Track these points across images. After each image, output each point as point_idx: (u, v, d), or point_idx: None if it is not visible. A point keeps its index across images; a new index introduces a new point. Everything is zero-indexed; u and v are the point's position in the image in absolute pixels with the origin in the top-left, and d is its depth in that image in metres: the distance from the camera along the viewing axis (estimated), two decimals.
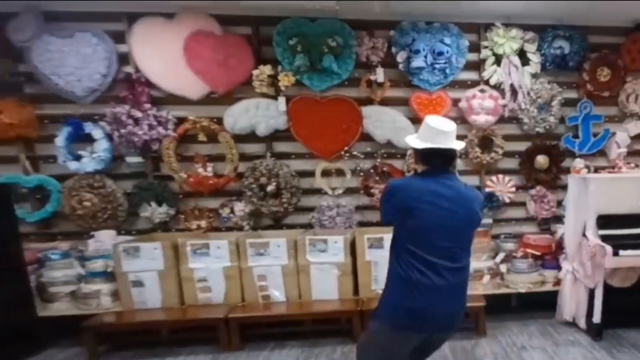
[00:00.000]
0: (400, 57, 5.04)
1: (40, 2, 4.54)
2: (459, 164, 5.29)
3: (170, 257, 4.46)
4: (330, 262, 4.55)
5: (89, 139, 4.79)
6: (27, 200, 4.83)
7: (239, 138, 4.98)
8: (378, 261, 4.59)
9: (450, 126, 2.65)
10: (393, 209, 2.62)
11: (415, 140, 2.68)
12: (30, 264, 4.54)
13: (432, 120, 2.67)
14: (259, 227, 5.17)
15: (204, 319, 4.36)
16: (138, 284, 4.47)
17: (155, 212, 4.91)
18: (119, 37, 4.77)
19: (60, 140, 4.70)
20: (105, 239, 4.71)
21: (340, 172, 5.25)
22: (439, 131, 2.60)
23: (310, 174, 5.20)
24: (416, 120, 5.15)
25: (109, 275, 4.57)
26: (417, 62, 4.96)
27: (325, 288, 4.59)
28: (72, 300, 4.58)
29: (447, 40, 5.07)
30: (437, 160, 2.62)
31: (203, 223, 4.96)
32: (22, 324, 4.31)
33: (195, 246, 4.42)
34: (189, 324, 4.40)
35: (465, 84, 5.30)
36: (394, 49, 5.07)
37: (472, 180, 5.30)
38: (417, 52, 4.96)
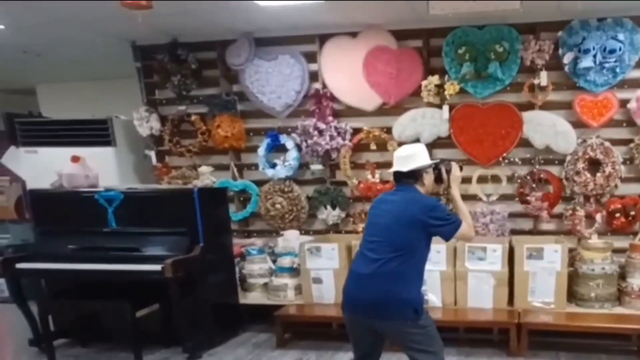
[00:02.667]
0: (567, 58, 4.66)
1: (253, 31, 5.17)
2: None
3: (344, 257, 4.68)
4: (488, 271, 4.37)
5: (283, 149, 5.31)
6: (233, 202, 5.50)
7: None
8: (537, 272, 4.33)
9: (405, 152, 3.11)
10: None
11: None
12: (236, 257, 5.17)
13: (398, 150, 3.22)
14: None
15: None
16: (317, 280, 4.80)
17: (329, 214, 5.26)
18: (311, 57, 5.19)
19: (261, 150, 5.31)
20: (291, 237, 5.19)
21: (495, 179, 5.01)
22: (395, 157, 3.10)
23: (466, 180, 4.91)
24: (578, 124, 4.77)
25: (294, 271, 4.98)
26: (586, 62, 4.54)
27: (481, 297, 4.43)
28: (264, 291, 5.09)
29: (621, 37, 4.52)
30: (395, 178, 3.11)
31: None
32: (229, 308, 4.94)
33: None
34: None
35: (636, 83, 4.68)
36: (560, 51, 4.70)
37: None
38: (587, 51, 4.53)
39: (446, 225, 2.93)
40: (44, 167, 5.01)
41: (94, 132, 5.52)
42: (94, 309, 4.53)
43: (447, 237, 2.99)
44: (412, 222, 2.85)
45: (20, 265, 4.35)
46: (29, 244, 5.08)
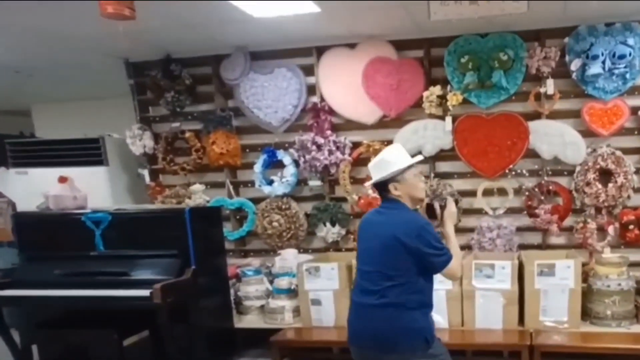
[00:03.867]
0: (574, 65, 4.41)
1: (248, 44, 4.96)
2: None
3: (344, 278, 4.40)
4: (497, 289, 4.06)
5: (280, 165, 5.05)
6: (229, 220, 5.27)
7: None
8: (548, 290, 4.04)
9: (377, 158, 2.83)
10: None
11: None
12: (231, 278, 4.89)
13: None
14: None
15: None
16: (316, 302, 4.50)
17: (329, 232, 4.98)
18: (308, 70, 4.96)
19: (257, 167, 5.06)
20: (289, 257, 4.88)
21: (502, 191, 4.75)
22: (369, 167, 2.88)
23: (471, 193, 4.80)
24: (587, 133, 4.52)
25: (292, 292, 4.68)
26: (595, 68, 4.30)
27: (490, 317, 4.12)
28: (261, 314, 4.79)
29: (630, 41, 4.30)
30: (378, 192, 2.92)
31: None
32: (223, 333, 4.63)
33: None
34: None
35: None
36: (567, 58, 4.46)
37: None
38: (595, 57, 4.29)
39: (439, 256, 2.66)
40: (34, 188, 4.82)
41: (85, 152, 5.32)
42: (79, 338, 4.19)
43: (438, 269, 2.70)
44: (400, 248, 2.59)
45: (2, 293, 4.05)
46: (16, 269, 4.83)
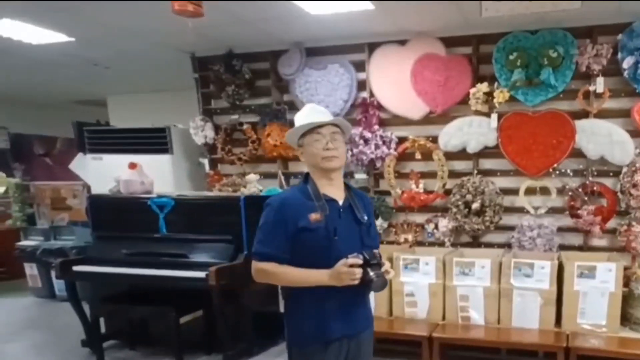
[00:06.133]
0: (627, 63, 4.17)
1: (304, 40, 5.05)
2: None
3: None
4: (535, 289, 3.93)
5: None
6: None
7: (448, 155, 4.74)
8: (587, 292, 3.86)
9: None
10: None
11: None
12: None
13: None
14: (458, 243, 4.83)
15: (409, 334, 4.14)
16: None
17: None
18: (360, 66, 4.98)
19: None
20: None
21: (544, 191, 4.58)
22: None
23: (513, 191, 4.66)
24: (637, 134, 4.30)
25: None
26: None
27: (526, 316, 3.98)
28: None
29: None
30: None
31: (410, 237, 4.86)
32: (269, 317, 4.62)
33: (406, 261, 4.30)
34: (394, 337, 4.23)
35: None
36: (619, 55, 4.21)
37: None
38: None
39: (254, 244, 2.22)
40: (107, 173, 5.04)
41: (153, 140, 5.55)
42: (141, 314, 4.48)
43: None
44: None
45: (77, 268, 4.39)
46: (89, 247, 5.19)
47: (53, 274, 5.56)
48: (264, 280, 2.22)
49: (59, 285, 6.19)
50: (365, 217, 2.24)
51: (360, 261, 2.01)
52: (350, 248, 2.09)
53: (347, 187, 2.33)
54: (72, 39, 4.91)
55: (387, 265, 2.09)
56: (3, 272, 7.40)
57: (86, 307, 4.52)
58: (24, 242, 6.67)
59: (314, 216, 2.12)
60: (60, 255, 5.82)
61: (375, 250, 2.10)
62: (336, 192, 2.24)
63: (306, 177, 2.27)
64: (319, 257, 2.11)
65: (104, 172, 5.30)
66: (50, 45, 5.07)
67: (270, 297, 4.73)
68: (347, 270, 2.00)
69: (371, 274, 2.02)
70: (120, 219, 4.67)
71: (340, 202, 2.22)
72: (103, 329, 4.81)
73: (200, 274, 3.97)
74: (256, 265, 2.19)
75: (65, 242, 6.44)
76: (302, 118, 2.25)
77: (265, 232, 2.19)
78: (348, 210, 2.23)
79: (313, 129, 2.20)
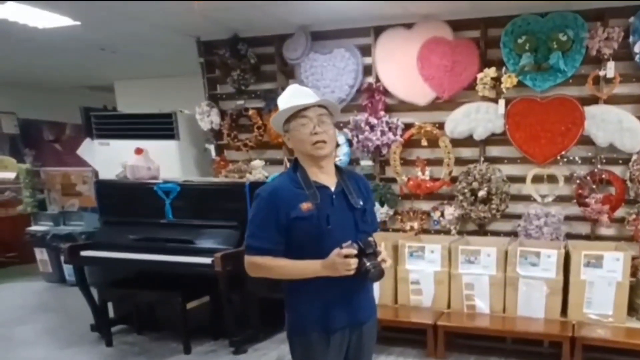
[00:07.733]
0: (638, 46, 4.02)
1: (310, 24, 4.92)
2: None
3: (389, 257, 4.41)
4: (541, 278, 3.86)
5: None
6: None
7: (455, 142, 4.64)
8: (594, 281, 3.78)
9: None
10: None
11: None
12: None
13: None
14: (464, 231, 4.75)
15: (414, 322, 4.12)
16: None
17: (378, 212, 4.83)
18: (366, 50, 4.86)
19: None
20: None
21: (552, 179, 4.44)
22: None
23: (520, 179, 4.55)
24: None
25: None
26: None
27: (532, 305, 3.93)
28: None
29: None
30: None
31: (415, 224, 4.77)
32: (275, 303, 4.26)
33: (412, 248, 4.25)
34: (399, 325, 4.21)
35: None
36: (631, 38, 4.06)
37: None
38: None
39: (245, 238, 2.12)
40: (114, 158, 5.01)
41: (159, 126, 5.49)
42: (148, 299, 4.47)
43: None
44: None
45: (84, 253, 4.37)
46: (96, 232, 5.17)
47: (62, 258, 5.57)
48: (259, 274, 2.13)
49: (68, 270, 6.17)
50: (361, 203, 2.11)
51: (354, 251, 1.90)
52: (345, 235, 1.98)
53: (339, 170, 2.17)
54: (78, 23, 4.81)
55: (383, 254, 1.97)
56: (15, 256, 7.41)
57: (95, 292, 4.49)
58: (33, 227, 6.65)
59: (305, 205, 2.01)
60: (69, 240, 5.77)
61: (370, 238, 1.97)
62: (327, 178, 2.12)
63: (295, 162, 2.14)
64: (313, 246, 2.01)
65: (111, 158, 5.26)
66: (56, 29, 4.99)
67: (276, 284, 4.69)
68: (342, 261, 1.90)
69: (367, 264, 1.91)
70: (127, 205, 4.66)
71: (333, 188, 2.10)
72: (112, 314, 4.80)
73: (206, 260, 3.95)
74: (249, 259, 2.10)
75: (74, 228, 6.43)
76: (286, 101, 2.10)
77: (257, 224, 2.07)
78: (341, 196, 2.10)
79: (298, 112, 2.05)
